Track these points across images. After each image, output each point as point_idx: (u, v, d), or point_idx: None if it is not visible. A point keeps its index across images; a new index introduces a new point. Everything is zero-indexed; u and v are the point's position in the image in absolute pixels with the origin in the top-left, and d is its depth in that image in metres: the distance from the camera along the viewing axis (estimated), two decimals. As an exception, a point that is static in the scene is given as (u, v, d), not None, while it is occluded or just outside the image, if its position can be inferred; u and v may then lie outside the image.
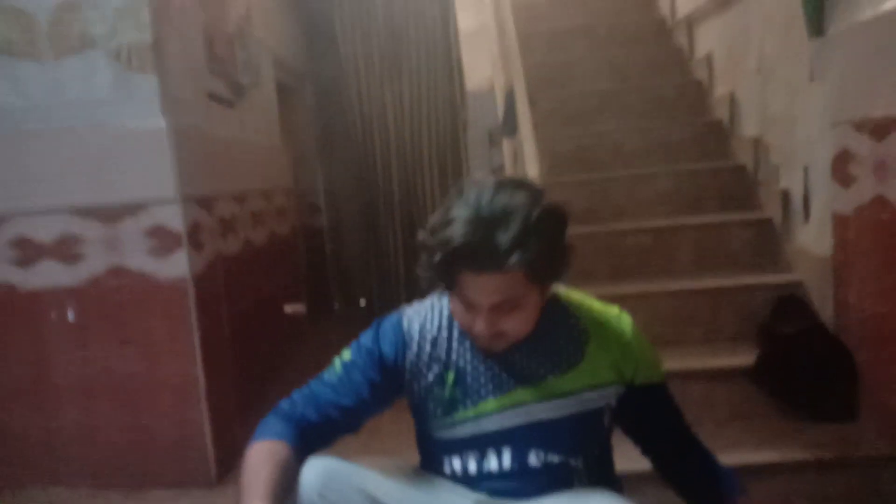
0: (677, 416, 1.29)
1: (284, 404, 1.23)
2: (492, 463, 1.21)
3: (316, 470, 1.13)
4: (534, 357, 1.21)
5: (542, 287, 1.14)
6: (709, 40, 3.45)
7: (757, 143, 2.86)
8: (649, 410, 1.25)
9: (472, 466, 1.22)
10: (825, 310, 2.29)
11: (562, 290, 1.28)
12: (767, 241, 2.68)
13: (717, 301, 2.48)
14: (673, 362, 2.24)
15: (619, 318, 1.25)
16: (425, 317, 1.26)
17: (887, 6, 1.88)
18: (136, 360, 2.42)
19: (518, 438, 1.16)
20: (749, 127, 2.98)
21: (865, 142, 2.00)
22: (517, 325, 1.13)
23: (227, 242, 2.86)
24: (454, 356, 1.22)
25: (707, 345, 2.42)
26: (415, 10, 4.59)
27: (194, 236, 2.44)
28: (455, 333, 1.23)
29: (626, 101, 3.47)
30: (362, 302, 4.67)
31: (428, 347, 1.23)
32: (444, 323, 1.24)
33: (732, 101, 3.12)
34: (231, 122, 3.10)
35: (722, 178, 2.97)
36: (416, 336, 1.24)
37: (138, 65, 2.33)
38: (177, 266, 2.38)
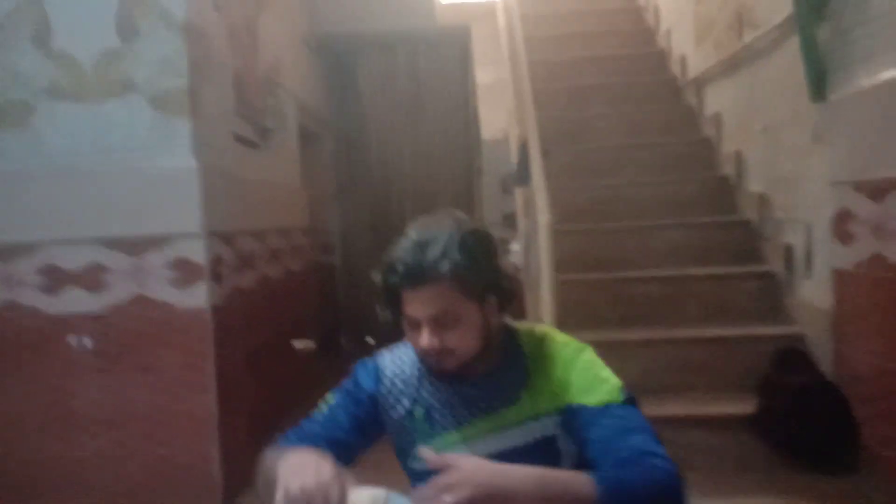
0: (623, 439, 1.14)
1: (280, 441, 1.31)
2: None
3: None
4: (487, 389, 1.28)
5: (479, 303, 1.22)
6: (718, 100, 3.58)
7: (762, 200, 2.95)
8: (585, 431, 1.19)
9: None
10: (825, 362, 2.34)
11: (525, 325, 1.36)
12: (771, 294, 2.74)
13: (720, 351, 2.53)
14: (676, 408, 2.30)
15: (566, 347, 1.28)
16: (397, 356, 1.37)
17: (884, 76, 1.98)
18: (154, 388, 2.50)
19: None
20: (755, 183, 3.07)
21: (864, 202, 2.08)
22: (460, 340, 1.21)
23: (245, 277, 2.96)
24: (423, 393, 1.32)
25: (710, 392, 2.47)
26: (436, 63, 4.78)
27: (215, 269, 2.55)
28: (423, 371, 1.32)
29: (638, 156, 3.59)
30: (370, 339, 4.73)
31: (399, 383, 1.34)
32: (415, 362, 1.34)
33: (739, 158, 3.22)
34: (255, 163, 3.24)
35: (728, 232, 3.05)
36: (388, 373, 1.35)
37: (174, 109, 2.47)
38: (197, 297, 2.48)
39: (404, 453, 1.33)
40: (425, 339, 1.20)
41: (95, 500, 2.51)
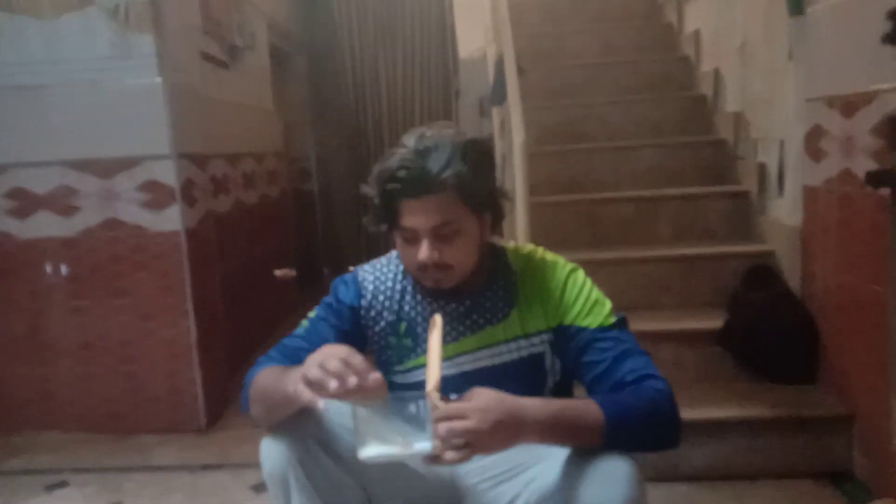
0: (621, 363, 1.18)
1: (262, 359, 1.30)
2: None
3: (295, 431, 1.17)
4: (474, 308, 1.29)
5: (478, 216, 1.22)
6: (697, 18, 3.51)
7: (738, 119, 2.95)
8: (582, 354, 1.21)
9: None
10: (794, 279, 2.40)
11: (511, 244, 1.37)
12: (744, 214, 2.78)
13: (691, 269, 2.58)
14: (646, 324, 2.36)
15: (557, 267, 1.28)
16: (379, 270, 1.36)
17: (861, -13, 1.95)
18: (131, 312, 2.51)
19: (463, 385, 1.16)
20: (732, 103, 3.06)
21: (836, 118, 2.09)
22: (459, 254, 1.20)
23: (219, 201, 2.93)
24: (406, 308, 1.32)
25: (680, 310, 2.53)
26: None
27: (187, 192, 2.52)
28: (408, 287, 1.32)
29: (615, 74, 3.54)
30: (351, 268, 4.73)
31: (381, 297, 1.33)
32: (398, 277, 1.34)
33: (717, 77, 3.20)
34: (225, 83, 3.16)
35: (703, 153, 3.05)
36: (370, 287, 1.34)
37: (136, 24, 2.39)
38: (170, 220, 2.46)
39: (386, 368, 1.34)
40: (424, 251, 1.18)
41: (72, 422, 2.56)
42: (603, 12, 4.02)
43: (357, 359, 1.00)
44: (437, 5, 4.72)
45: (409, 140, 1.19)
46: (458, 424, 0.98)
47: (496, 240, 1.37)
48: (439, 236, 1.18)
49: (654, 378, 1.17)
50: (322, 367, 0.98)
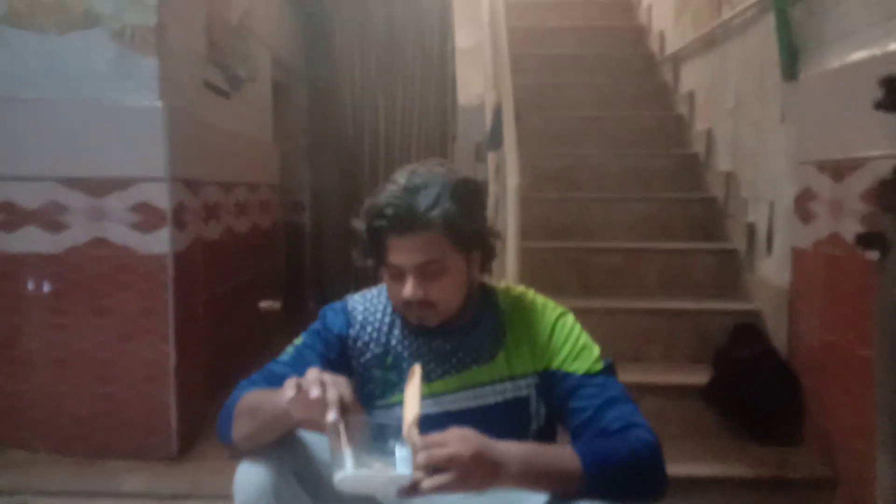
0: (606, 411, 1.16)
1: (244, 382, 1.28)
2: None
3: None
4: (460, 347, 1.27)
5: (466, 256, 1.21)
6: (692, 78, 3.60)
7: (729, 178, 2.99)
8: (568, 400, 1.19)
9: None
10: (779, 339, 2.40)
11: (501, 285, 1.36)
12: (731, 271, 2.80)
13: (678, 323, 2.58)
14: (631, 376, 2.33)
15: (546, 309, 1.28)
16: (369, 301, 1.35)
17: (853, 57, 2.01)
18: (110, 331, 2.46)
19: (444, 424, 1.12)
20: (723, 162, 3.11)
21: (826, 182, 2.12)
22: (444, 292, 1.20)
23: (210, 227, 2.92)
24: (394, 341, 1.30)
25: (665, 362, 2.52)
26: (414, 20, 4.70)
27: (178, 216, 2.50)
28: (396, 321, 1.30)
29: (609, 128, 3.60)
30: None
31: (370, 328, 1.31)
32: (388, 309, 1.32)
33: (710, 136, 3.26)
34: (225, 113, 3.17)
35: (693, 209, 3.09)
36: (359, 317, 1.32)
37: (140, 46, 2.40)
38: (159, 242, 2.43)
39: (368, 401, 1.31)
40: (409, 288, 1.18)
41: (39, 441, 2.48)
42: (601, 67, 4.10)
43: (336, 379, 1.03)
44: (438, 50, 4.79)
45: (400, 177, 1.20)
46: (437, 451, 0.97)
47: (486, 279, 1.36)
48: (425, 274, 1.17)
49: (638, 427, 1.15)
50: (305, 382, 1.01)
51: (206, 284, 2.83)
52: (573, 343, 1.24)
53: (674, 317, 2.60)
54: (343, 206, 4.92)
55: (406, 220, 1.14)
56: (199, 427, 2.64)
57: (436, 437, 0.99)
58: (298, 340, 1.33)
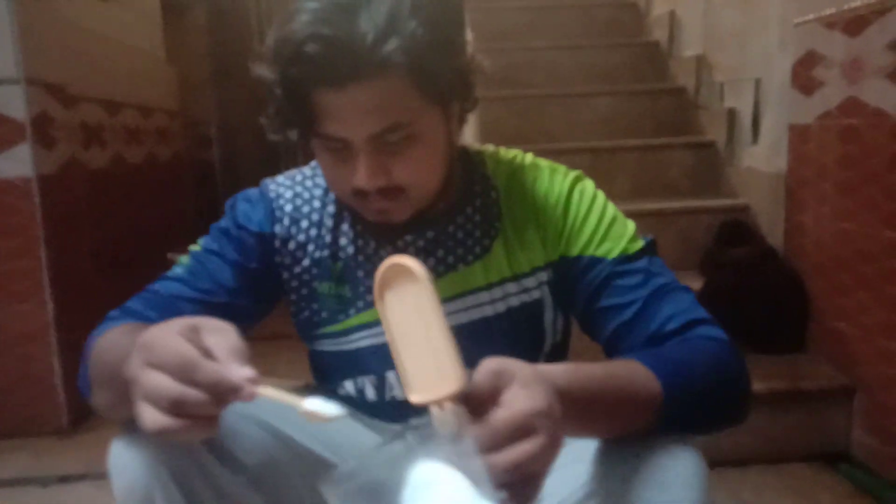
0: (657, 305, 0.80)
1: (114, 312, 0.84)
2: (395, 389, 0.88)
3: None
4: (440, 241, 0.86)
5: (443, 109, 0.78)
6: (647, -41, 3.22)
7: (700, 63, 2.64)
8: (599, 295, 0.82)
9: (371, 392, 0.90)
10: (774, 234, 2.11)
11: (490, 148, 0.95)
12: (710, 166, 2.48)
13: (657, 226, 2.24)
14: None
15: (556, 175, 0.88)
16: (301, 185, 0.91)
17: None
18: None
19: None
20: (691, 47, 2.76)
21: (837, 39, 1.78)
22: (416, 171, 0.76)
23: (92, 153, 2.39)
24: (342, 240, 0.88)
25: (648, 271, 2.19)
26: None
27: (42, 129, 1.97)
28: (344, 211, 0.88)
29: (559, 21, 3.19)
30: None
31: (305, 223, 0.88)
32: (327, 198, 0.90)
33: (673, 19, 2.89)
34: (101, 15, 2.61)
35: (662, 102, 2.74)
36: (287, 207, 0.89)
37: None
38: (18, 163, 1.91)
39: (311, 330, 0.90)
40: (363, 173, 0.73)
41: None
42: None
43: (220, 338, 0.54)
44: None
45: None
46: (502, 417, 0.53)
47: (469, 141, 0.94)
48: (384, 146, 0.74)
49: (706, 324, 0.79)
50: (155, 366, 0.52)
51: (93, 222, 2.31)
52: (598, 216, 0.85)
53: (651, 219, 2.26)
54: (257, 139, 4.41)
55: (345, 60, 0.68)
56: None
57: (477, 392, 0.55)
58: (196, 246, 0.88)
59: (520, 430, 0.51)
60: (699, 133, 2.60)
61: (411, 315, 0.58)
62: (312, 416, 0.53)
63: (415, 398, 0.57)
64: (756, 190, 2.22)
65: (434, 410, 0.54)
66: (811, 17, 1.87)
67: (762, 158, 2.20)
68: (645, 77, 2.91)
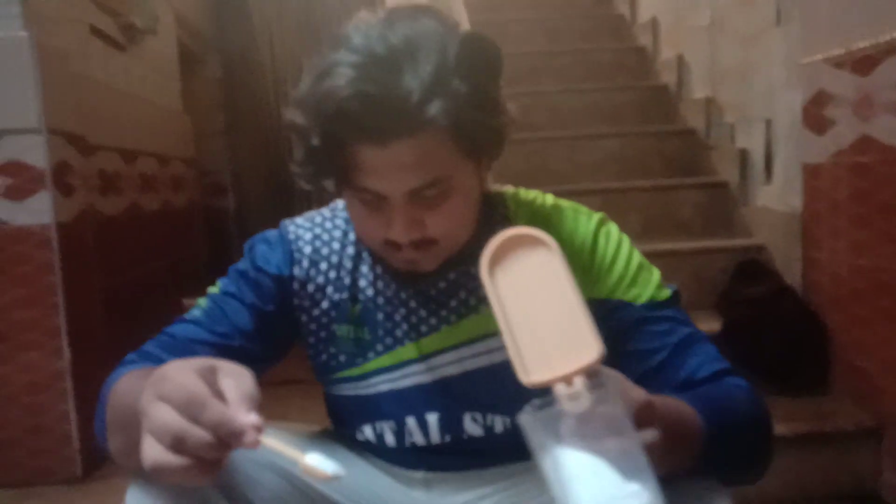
0: (685, 353, 0.81)
1: (131, 356, 0.84)
2: (415, 435, 0.87)
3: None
4: (460, 285, 0.85)
5: (476, 163, 0.79)
6: (653, 4, 3.28)
7: (709, 104, 2.67)
8: (627, 339, 0.81)
9: (390, 438, 0.88)
10: (791, 273, 2.09)
11: (509, 188, 0.96)
12: (722, 206, 2.48)
13: (672, 266, 2.23)
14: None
15: (580, 218, 0.86)
16: (320, 227, 0.91)
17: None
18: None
19: (445, 399, 0.83)
20: (700, 89, 2.80)
21: (846, 78, 1.80)
22: (450, 223, 0.76)
23: (109, 201, 2.42)
24: (362, 282, 0.87)
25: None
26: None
27: (61, 178, 2.00)
28: (363, 254, 0.88)
29: (564, 64, 3.24)
30: None
31: (324, 265, 0.88)
32: (349, 236, 0.89)
33: (680, 62, 2.93)
34: (121, 68, 2.70)
35: (671, 143, 2.75)
36: (306, 250, 0.88)
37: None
38: (38, 211, 1.93)
39: (329, 374, 0.89)
40: (399, 229, 0.73)
41: None
42: (546, 2, 3.75)
43: (235, 381, 0.54)
44: (367, 5, 4.35)
45: (362, 34, 0.70)
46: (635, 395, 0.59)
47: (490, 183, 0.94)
48: (420, 201, 0.74)
49: (732, 375, 0.80)
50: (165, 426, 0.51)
51: (109, 269, 2.32)
52: (625, 261, 0.84)
53: (666, 260, 2.24)
54: (269, 187, 4.46)
55: (389, 118, 0.68)
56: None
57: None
58: (214, 289, 0.88)
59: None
60: (711, 173, 2.61)
61: (532, 288, 0.56)
62: (312, 472, 0.52)
63: (536, 378, 0.55)
64: (771, 229, 2.22)
65: (560, 389, 0.52)
66: (819, 57, 1.90)
67: (775, 197, 2.20)
68: (653, 119, 2.93)
